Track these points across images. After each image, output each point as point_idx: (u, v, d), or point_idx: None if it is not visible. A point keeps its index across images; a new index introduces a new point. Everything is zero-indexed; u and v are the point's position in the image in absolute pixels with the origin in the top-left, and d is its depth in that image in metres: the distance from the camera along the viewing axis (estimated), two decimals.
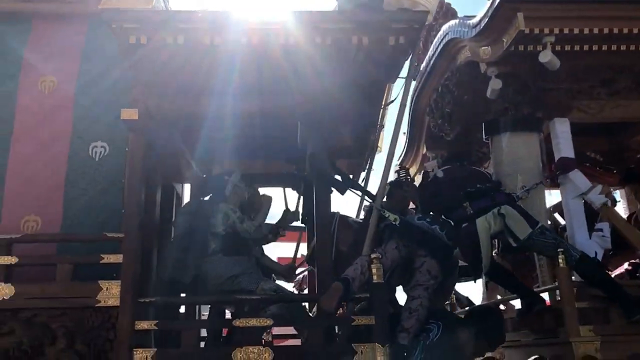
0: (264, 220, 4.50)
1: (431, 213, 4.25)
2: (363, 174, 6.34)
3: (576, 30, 4.03)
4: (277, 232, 4.95)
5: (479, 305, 5.50)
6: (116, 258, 3.61)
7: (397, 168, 5.66)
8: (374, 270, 3.56)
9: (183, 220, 4.53)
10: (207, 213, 4.60)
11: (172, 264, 4.34)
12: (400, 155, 6.84)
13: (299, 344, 4.94)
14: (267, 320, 3.49)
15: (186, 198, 5.65)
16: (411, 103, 6.24)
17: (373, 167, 6.21)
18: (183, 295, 4.29)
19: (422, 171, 5.15)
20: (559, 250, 3.85)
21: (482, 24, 4.22)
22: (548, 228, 4.18)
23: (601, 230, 4.28)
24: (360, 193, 4.35)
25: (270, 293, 3.95)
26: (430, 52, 5.42)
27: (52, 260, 3.69)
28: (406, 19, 3.79)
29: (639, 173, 5.40)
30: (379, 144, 6.05)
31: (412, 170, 6.81)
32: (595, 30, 4.03)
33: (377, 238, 4.07)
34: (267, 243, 4.92)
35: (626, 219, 5.40)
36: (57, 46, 4.32)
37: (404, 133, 7.01)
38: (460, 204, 4.09)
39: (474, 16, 4.54)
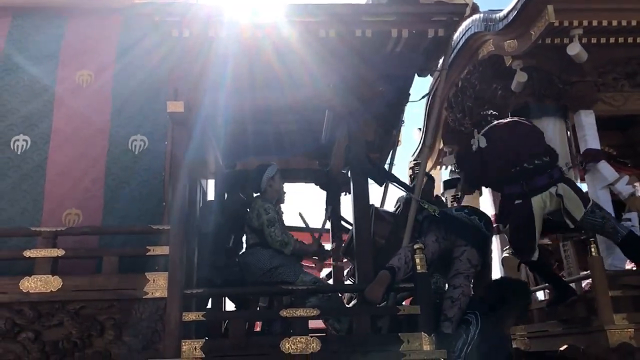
0: (298, 247, 4.22)
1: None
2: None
3: (604, 23, 4.06)
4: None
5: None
6: (162, 250, 3.56)
7: (412, 164, 5.67)
8: (417, 260, 3.55)
9: (211, 218, 4.49)
10: (241, 207, 4.57)
11: (204, 264, 4.31)
12: (416, 151, 6.84)
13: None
14: (313, 311, 3.46)
15: (210, 194, 5.59)
16: (428, 98, 6.25)
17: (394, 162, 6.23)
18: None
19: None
20: (591, 240, 3.86)
21: (510, 17, 4.24)
22: (598, 205, 3.99)
23: (629, 220, 4.31)
24: (397, 184, 4.33)
25: (310, 285, 3.94)
26: (453, 46, 5.40)
27: (100, 253, 3.63)
28: (447, 12, 3.78)
29: None
30: (399, 138, 6.06)
31: (428, 165, 6.82)
32: (624, 22, 4.07)
33: (416, 230, 4.07)
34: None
35: None
36: (92, 40, 4.24)
37: (419, 129, 7.03)
38: (512, 177, 3.87)
39: (499, 10, 4.55)
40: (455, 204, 5.58)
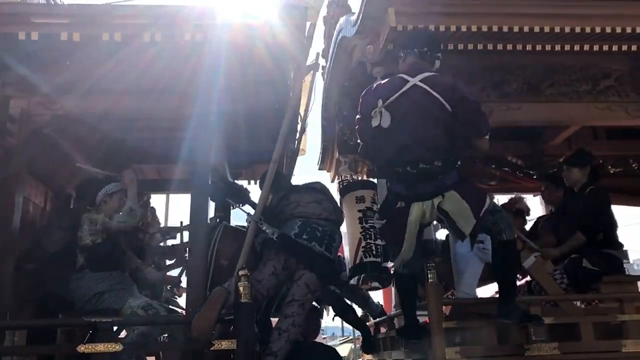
0: (135, 203, 3.80)
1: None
2: None
3: (453, 28, 3.50)
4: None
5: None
6: None
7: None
8: (240, 289, 3.14)
9: (58, 232, 4.05)
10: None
11: (50, 280, 3.90)
12: (319, 160, 6.40)
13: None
14: (115, 346, 3.03)
15: None
16: (323, 104, 5.79)
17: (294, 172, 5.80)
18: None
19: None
20: (429, 265, 3.37)
21: (359, 21, 3.78)
22: None
23: (482, 242, 3.89)
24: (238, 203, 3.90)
25: (137, 311, 3.50)
26: (330, 51, 4.94)
27: None
28: (196, 14, 3.37)
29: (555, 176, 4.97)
30: (302, 147, 5.64)
31: (329, 175, 6.40)
32: (474, 28, 3.50)
33: (257, 252, 3.64)
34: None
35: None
36: None
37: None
38: None
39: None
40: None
